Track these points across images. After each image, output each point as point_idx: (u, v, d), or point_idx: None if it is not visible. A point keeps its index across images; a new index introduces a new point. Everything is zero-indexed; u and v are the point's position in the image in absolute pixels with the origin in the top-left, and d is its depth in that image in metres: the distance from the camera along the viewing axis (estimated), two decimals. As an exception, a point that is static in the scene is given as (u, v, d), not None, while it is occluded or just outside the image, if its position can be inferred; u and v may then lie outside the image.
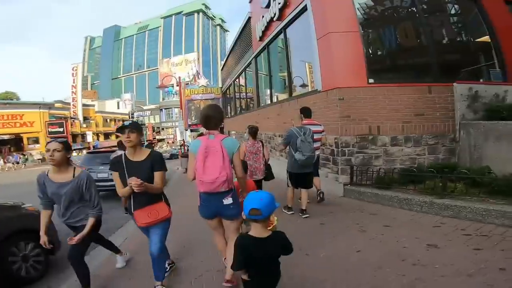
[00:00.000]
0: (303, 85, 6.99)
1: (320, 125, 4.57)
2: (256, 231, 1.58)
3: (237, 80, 14.53)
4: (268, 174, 4.39)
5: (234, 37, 14.47)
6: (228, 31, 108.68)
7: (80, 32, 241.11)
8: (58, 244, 3.19)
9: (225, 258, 2.55)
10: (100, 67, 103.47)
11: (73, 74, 36.66)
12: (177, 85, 21.87)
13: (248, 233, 1.60)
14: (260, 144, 4.35)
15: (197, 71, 41.61)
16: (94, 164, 7.13)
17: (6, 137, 29.31)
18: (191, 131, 24.01)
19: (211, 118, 2.29)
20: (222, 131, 3.84)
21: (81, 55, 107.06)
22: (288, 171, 4.14)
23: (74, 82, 36.51)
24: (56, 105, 36.76)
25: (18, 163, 26.36)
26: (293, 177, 4.07)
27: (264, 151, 4.33)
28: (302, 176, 4.01)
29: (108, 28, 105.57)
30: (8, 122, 29.57)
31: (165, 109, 55.62)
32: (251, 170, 4.14)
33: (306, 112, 4.51)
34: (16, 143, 30.65)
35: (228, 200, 2.23)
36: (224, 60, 19.36)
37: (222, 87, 22.06)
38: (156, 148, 41.04)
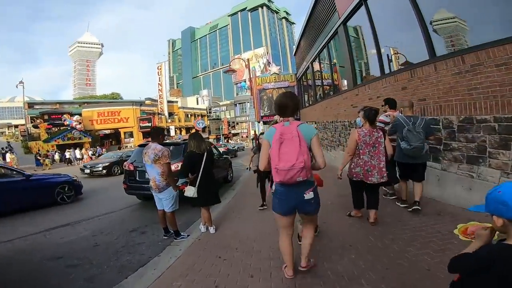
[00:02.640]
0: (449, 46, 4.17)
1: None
2: None
3: (315, 61, 11.99)
4: (392, 176, 3.72)
5: (307, 12, 11.96)
6: (294, 23, 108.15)
7: (166, 36, 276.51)
8: None
9: (285, 266, 2.40)
10: (183, 67, 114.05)
11: (158, 72, 40.05)
12: (247, 73, 20.60)
13: (506, 241, 1.04)
14: (381, 133, 3.39)
15: (267, 60, 40.23)
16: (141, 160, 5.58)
17: (107, 131, 34.19)
18: (264, 123, 22.51)
19: (287, 106, 2.18)
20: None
21: (167, 57, 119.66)
22: (395, 161, 3.76)
23: (159, 80, 39.86)
24: (146, 102, 41.05)
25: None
26: (401, 167, 3.79)
27: (386, 143, 3.47)
28: (410, 167, 3.67)
29: (185, 30, 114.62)
30: (109, 118, 34.21)
31: (239, 104, 56.99)
32: (365, 168, 3.32)
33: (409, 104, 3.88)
34: (116, 137, 35.40)
35: (309, 195, 2.10)
36: (297, 42, 16.76)
37: (296, 74, 19.80)
38: (231, 142, 42.12)
